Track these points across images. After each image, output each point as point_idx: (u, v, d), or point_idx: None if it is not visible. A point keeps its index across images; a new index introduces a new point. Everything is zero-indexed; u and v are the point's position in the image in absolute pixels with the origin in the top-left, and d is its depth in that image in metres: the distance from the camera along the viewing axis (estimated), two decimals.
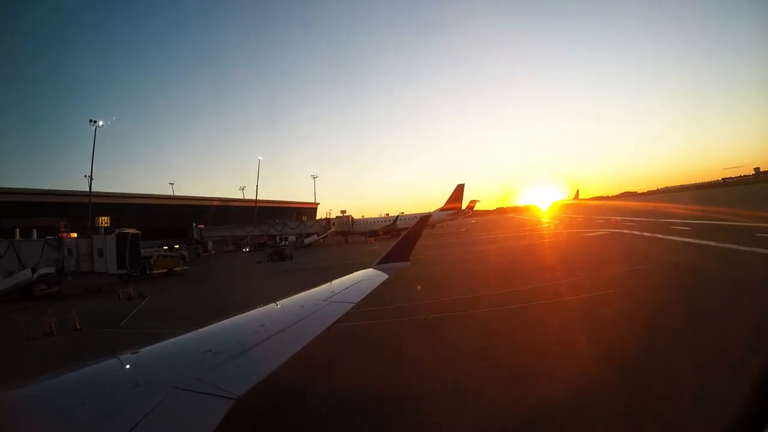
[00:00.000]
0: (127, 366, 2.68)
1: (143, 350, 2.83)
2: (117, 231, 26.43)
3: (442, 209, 66.44)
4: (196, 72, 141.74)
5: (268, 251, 41.39)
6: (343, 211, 64.67)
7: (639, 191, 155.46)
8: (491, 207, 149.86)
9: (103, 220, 27.51)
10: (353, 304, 4.25)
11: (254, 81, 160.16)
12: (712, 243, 16.91)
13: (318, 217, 70.77)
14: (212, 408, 2.03)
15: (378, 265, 6.29)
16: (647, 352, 6.68)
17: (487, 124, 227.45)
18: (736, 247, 15.18)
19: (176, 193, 64.90)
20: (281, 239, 61.21)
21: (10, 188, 41.26)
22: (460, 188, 65.65)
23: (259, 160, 69.64)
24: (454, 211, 66.38)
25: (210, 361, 2.60)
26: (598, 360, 6.52)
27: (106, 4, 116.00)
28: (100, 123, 38.90)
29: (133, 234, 26.33)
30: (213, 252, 62.53)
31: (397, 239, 7.44)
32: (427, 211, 68.11)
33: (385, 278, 5.59)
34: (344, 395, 6.10)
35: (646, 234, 23.61)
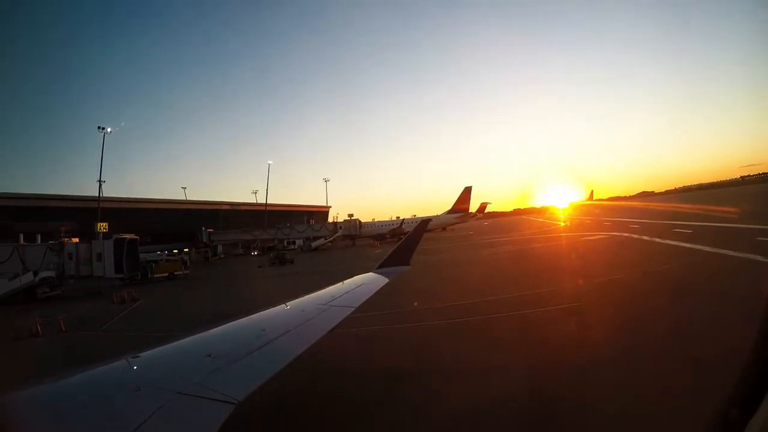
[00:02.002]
0: (127, 370, 2.68)
1: (143, 354, 2.82)
2: (114, 236, 27.22)
3: (449, 212, 66.14)
4: (207, 77, 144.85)
5: (270, 256, 41.92)
6: (351, 215, 64.97)
7: (656, 191, 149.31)
8: (508, 208, 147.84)
9: (102, 226, 28.37)
10: (353, 309, 4.24)
11: (267, 86, 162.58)
12: (706, 248, 16.02)
13: (330, 220, 71.02)
14: (212, 413, 2.03)
15: (378, 269, 6.26)
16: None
17: (502, 126, 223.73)
18: (729, 253, 14.25)
19: (189, 197, 66.65)
20: (289, 243, 61.98)
21: (24, 194, 43.21)
22: (467, 191, 65.06)
23: (269, 164, 70.24)
24: (462, 214, 65.83)
25: (210, 366, 2.60)
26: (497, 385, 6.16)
27: (117, 10, 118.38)
28: (108, 130, 40.20)
29: (130, 239, 27.06)
30: (223, 255, 63.69)
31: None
32: (436, 214, 68.22)
33: (385, 282, 5.58)
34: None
35: (644, 238, 22.69)
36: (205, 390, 2.25)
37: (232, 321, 3.67)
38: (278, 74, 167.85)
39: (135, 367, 2.72)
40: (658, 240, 20.86)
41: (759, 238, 16.56)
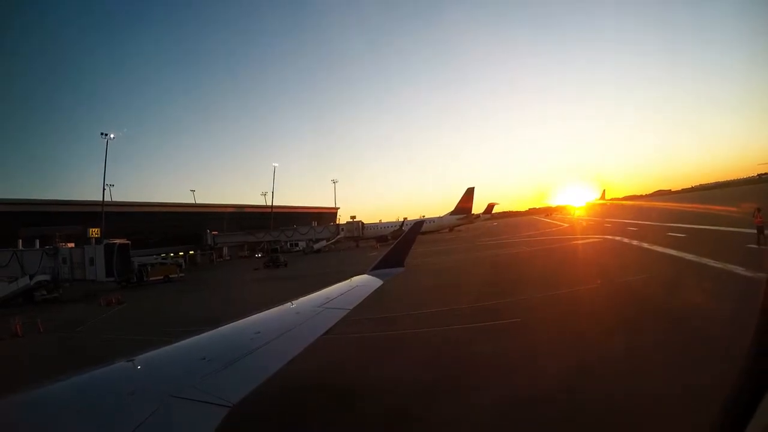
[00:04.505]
0: (122, 373, 2.69)
1: (138, 358, 2.83)
2: (105, 241, 27.98)
3: (452, 213, 65.77)
4: (214, 80, 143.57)
5: (264, 259, 42.41)
6: (353, 217, 65.21)
7: (673, 189, 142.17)
8: (524, 208, 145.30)
9: (94, 231, 29.12)
10: (348, 311, 4.25)
11: (275, 88, 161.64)
12: (689, 256, 15.16)
13: (339, 222, 71.15)
14: (208, 415, 2.04)
15: (372, 271, 6.27)
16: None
17: (517, 125, 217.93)
18: (709, 262, 13.37)
19: (198, 199, 67.74)
20: (292, 245, 62.50)
21: (33, 199, 44.66)
22: (469, 191, 64.43)
23: (275, 167, 71.10)
24: (466, 215, 65.27)
25: (205, 369, 2.60)
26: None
27: (122, 14, 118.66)
28: (112, 135, 41.33)
29: (120, 244, 27.75)
30: (228, 257, 64.72)
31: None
32: (439, 215, 67.92)
33: (379, 284, 5.60)
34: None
35: (634, 243, 21.78)
36: (201, 393, 2.24)
37: (227, 323, 3.64)
38: (286, 76, 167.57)
39: (130, 371, 2.70)
40: (645, 245, 20.00)
41: (749, 246, 15.56)
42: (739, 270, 11.69)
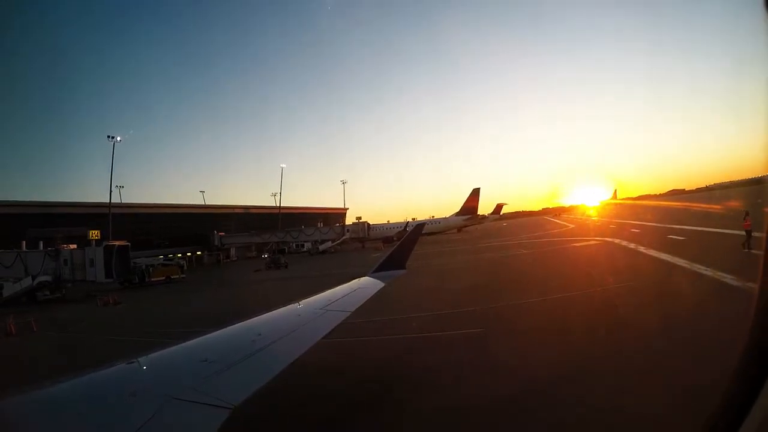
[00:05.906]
0: (124, 375, 2.70)
1: (139, 359, 2.85)
2: (105, 243, 28.57)
3: (458, 214, 65.46)
4: (222, 80, 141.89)
5: (266, 260, 42.79)
6: (359, 218, 65.16)
7: (687, 188, 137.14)
8: (537, 207, 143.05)
9: (94, 234, 29.80)
10: (349, 313, 4.23)
11: (284, 89, 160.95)
12: (682, 262, 14.62)
13: (348, 222, 71.36)
14: (209, 417, 2.04)
15: (374, 273, 6.26)
16: None
17: (529, 125, 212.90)
18: (701, 270, 12.83)
19: (206, 200, 68.61)
20: (298, 246, 62.78)
21: (38, 201, 45.72)
22: (475, 192, 63.96)
23: (282, 168, 71.77)
24: (472, 216, 64.81)
25: (206, 371, 2.60)
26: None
27: (127, 14, 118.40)
28: (118, 138, 42.10)
29: (120, 246, 28.28)
30: (236, 258, 65.35)
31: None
32: (444, 216, 67.59)
33: (381, 286, 5.59)
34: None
35: (631, 246, 21.23)
36: (202, 395, 2.23)
37: (228, 326, 3.62)
38: (294, 78, 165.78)
39: (131, 372, 2.71)
40: (642, 249, 19.41)
41: (746, 251, 14.83)
42: (727, 278, 11.17)
